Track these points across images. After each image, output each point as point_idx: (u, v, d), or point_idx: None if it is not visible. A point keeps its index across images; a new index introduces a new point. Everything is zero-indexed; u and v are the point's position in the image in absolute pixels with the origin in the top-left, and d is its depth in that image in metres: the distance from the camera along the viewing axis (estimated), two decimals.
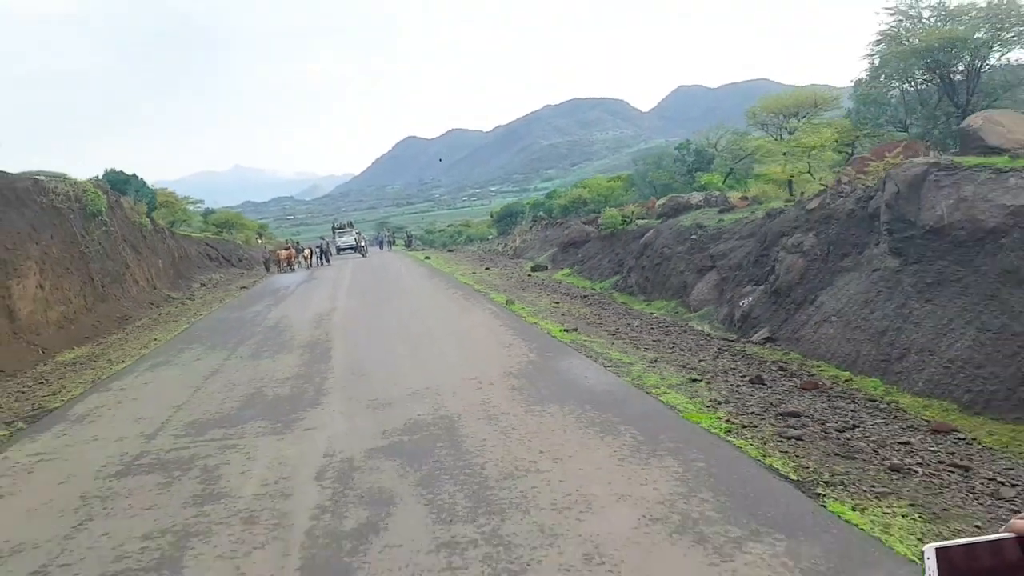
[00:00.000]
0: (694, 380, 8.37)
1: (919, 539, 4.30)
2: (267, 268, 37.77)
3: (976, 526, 4.67)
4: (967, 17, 14.00)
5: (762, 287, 12.48)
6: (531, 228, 34.12)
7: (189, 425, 7.69)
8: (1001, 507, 5.13)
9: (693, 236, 15.75)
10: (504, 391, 8.10)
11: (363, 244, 49.05)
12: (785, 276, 11.82)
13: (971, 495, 5.31)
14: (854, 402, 8.12)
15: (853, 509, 4.72)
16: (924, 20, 14.72)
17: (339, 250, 49.16)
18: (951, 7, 14.55)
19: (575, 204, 29.44)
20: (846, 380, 9.30)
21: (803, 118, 18.39)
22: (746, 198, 16.52)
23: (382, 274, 27.85)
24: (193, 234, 41.97)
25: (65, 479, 6.36)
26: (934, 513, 4.77)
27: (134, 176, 30.32)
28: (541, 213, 35.53)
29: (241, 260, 46.19)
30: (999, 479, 5.81)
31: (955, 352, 8.40)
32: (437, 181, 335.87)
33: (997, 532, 0.99)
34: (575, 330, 11.64)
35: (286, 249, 36.73)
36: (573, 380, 8.51)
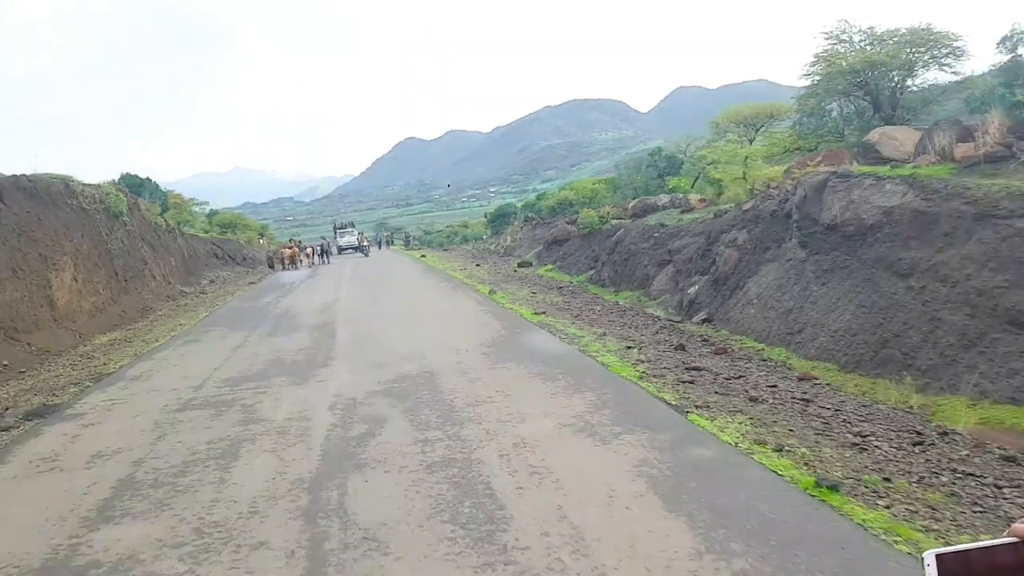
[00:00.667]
0: (629, 347, 10.46)
1: (743, 435, 6.36)
2: (271, 266, 39.87)
3: (790, 430, 6.72)
4: (891, 42, 16.09)
5: (706, 277, 14.54)
6: (522, 228, 36.26)
7: (226, 380, 9.77)
8: (813, 420, 7.19)
9: (656, 234, 17.84)
10: (476, 355, 10.19)
11: (366, 244, 49.68)
12: (723, 267, 13.89)
13: (799, 416, 7.38)
14: (751, 362, 10.19)
15: (706, 419, 6.79)
16: (855, 44, 16.87)
17: (340, 250, 49.84)
18: (879, 32, 16.66)
19: (562, 205, 31.58)
20: (759, 350, 11.34)
21: (759, 128, 20.48)
22: (704, 200, 18.62)
23: (380, 270, 29.94)
24: (200, 234, 44.05)
25: (139, 413, 8.45)
26: (764, 423, 6.84)
27: (148, 179, 32.43)
28: (531, 214, 37.68)
29: (245, 259, 48.18)
30: (828, 408, 7.88)
31: (839, 324, 10.46)
32: (438, 182, 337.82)
33: (998, 537, 1.00)
34: (544, 313, 13.72)
35: (290, 248, 38.78)
36: (532, 348, 10.59)
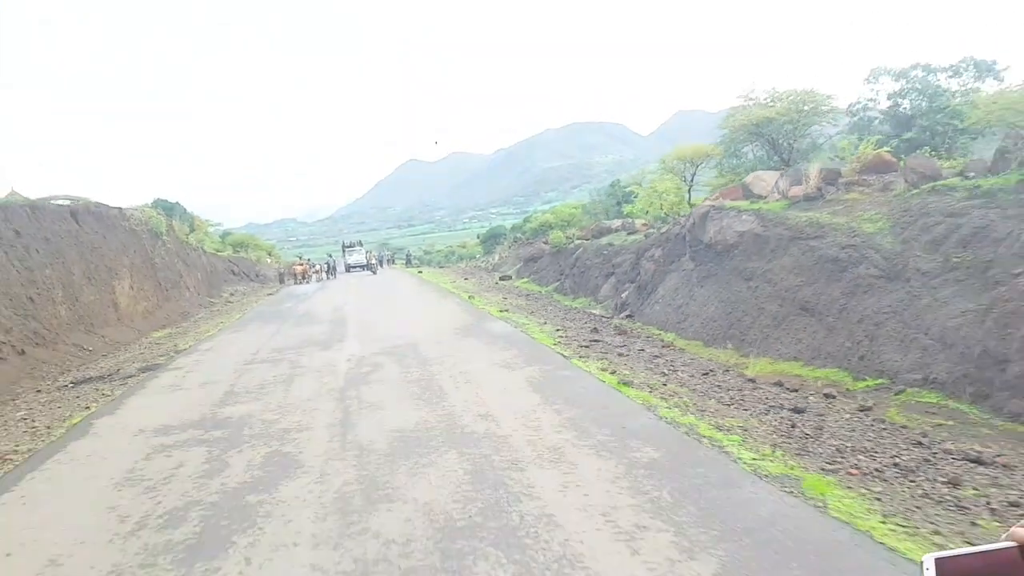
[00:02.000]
0: (558, 331, 14.79)
1: (599, 369, 10.63)
2: (281, 281, 44.32)
3: (631, 368, 10.98)
4: (786, 101, 20.55)
5: (634, 284, 18.81)
6: (509, 247, 40.76)
7: (273, 349, 14.09)
8: (651, 364, 11.46)
9: (605, 252, 22.19)
10: (448, 335, 14.50)
11: (374, 262, 50.50)
12: (644, 276, 18.18)
13: (644, 363, 11.64)
14: (639, 339, 14.45)
15: (580, 361, 11.07)
16: (760, 101, 21.32)
17: (348, 268, 51.64)
18: (779, 92, 21.13)
19: (543, 227, 36.05)
20: (656, 334, 15.57)
21: (699, 165, 24.93)
22: (646, 224, 22.97)
23: (381, 283, 34.35)
24: (216, 252, 48.59)
25: (220, 365, 12.77)
26: (616, 365, 11.09)
27: (177, 203, 37.03)
28: (519, 235, 42.20)
29: (258, 276, 52.61)
30: (667, 360, 12.14)
31: (707, 314, 14.73)
32: (439, 203, 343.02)
33: (997, 542, 1.02)
34: (506, 311, 18.04)
35: (301, 265, 43.20)
36: (489, 331, 14.89)
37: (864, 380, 10.35)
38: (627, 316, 17.78)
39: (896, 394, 9.61)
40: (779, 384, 10.45)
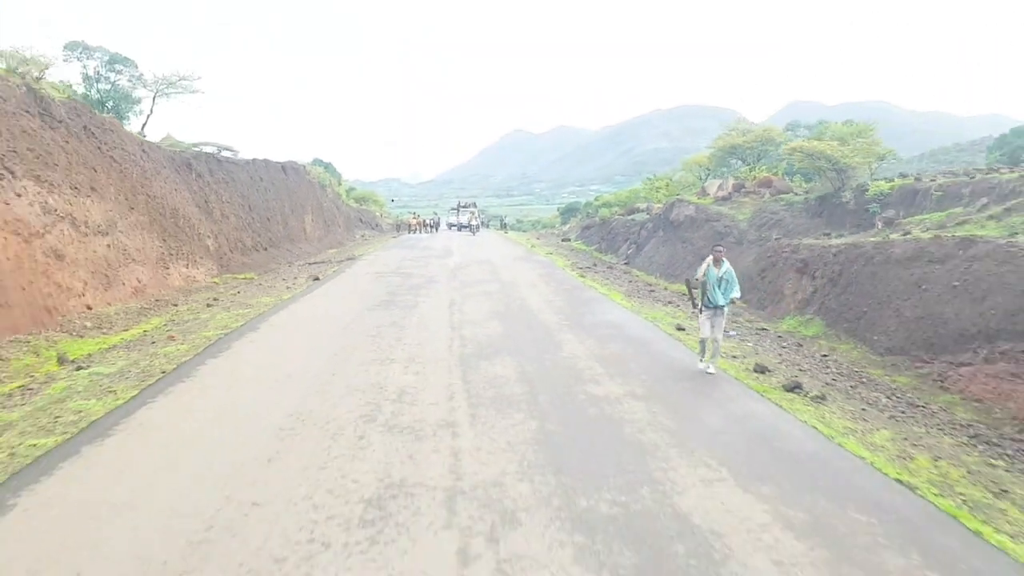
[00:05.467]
0: (576, 264, 25.92)
1: (580, 276, 21.74)
2: (397, 230, 57.14)
3: (610, 280, 22.00)
4: (750, 135, 30.32)
5: (635, 245, 29.49)
6: (579, 219, 51.71)
7: (414, 256, 26.04)
8: (612, 279, 22.41)
9: (627, 224, 32.83)
10: (509, 260, 25.95)
11: (476, 223, 53.27)
12: (640, 240, 28.81)
13: (624, 282, 22.60)
14: (625, 275, 25.22)
15: (572, 271, 22.21)
16: (739, 131, 31.05)
17: (449, 226, 58.85)
18: (750, 128, 30.85)
19: (604, 205, 46.65)
20: (636, 273, 26.24)
21: (711, 170, 34.88)
22: (659, 204, 33.31)
23: (475, 237, 46.29)
24: (351, 204, 62.23)
25: (387, 259, 24.83)
26: (605, 282, 22.14)
27: (331, 163, 50.23)
28: (589, 210, 53.01)
29: (377, 225, 66.18)
30: (623, 278, 22.95)
31: (662, 262, 25.30)
32: (541, 175, 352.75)
33: None
34: (551, 255, 29.23)
35: (415, 218, 55.78)
36: (534, 262, 26.17)
37: None
38: (626, 263, 28.62)
39: None
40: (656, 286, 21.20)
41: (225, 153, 29.09)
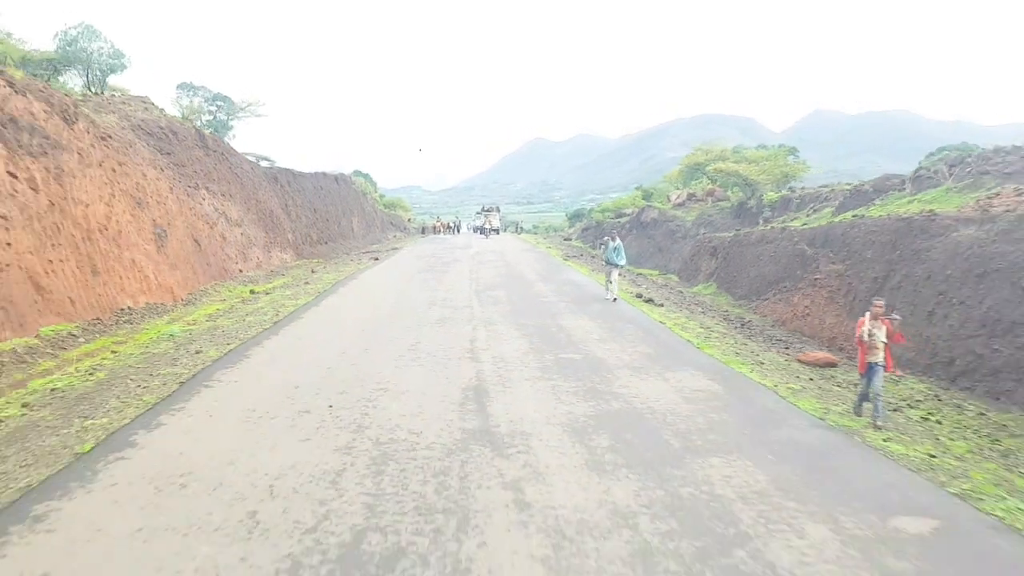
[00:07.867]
0: (564, 253, 34.07)
1: (564, 261, 29.84)
2: (422, 232, 65.62)
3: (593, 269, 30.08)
4: (710, 154, 38.13)
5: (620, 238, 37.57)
6: (583, 222, 59.91)
7: (443, 248, 34.32)
8: (591, 263, 30.48)
9: (615, 225, 40.90)
10: (516, 251, 34.12)
11: (496, 225, 57.25)
12: (623, 236, 36.91)
13: (589, 261, 30.65)
14: (599, 260, 33.17)
15: (561, 257, 30.32)
16: (705, 152, 38.99)
17: (474, 230, 65.41)
18: (712, 148, 38.70)
19: (603, 210, 54.81)
20: (629, 268, 34.15)
21: (688, 182, 42.78)
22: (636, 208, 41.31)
23: (493, 238, 54.62)
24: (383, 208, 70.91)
25: (424, 250, 33.16)
26: (571, 262, 30.22)
27: (368, 174, 58.80)
28: (595, 215, 61.31)
29: (404, 229, 74.85)
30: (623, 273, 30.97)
31: (635, 252, 33.24)
32: (561, 182, 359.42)
33: None
34: (550, 249, 37.38)
35: (439, 222, 64.24)
36: (537, 255, 34.31)
37: (658, 271, 29.03)
38: None
39: (662, 274, 28.27)
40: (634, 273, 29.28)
41: (263, 163, 37.41)
